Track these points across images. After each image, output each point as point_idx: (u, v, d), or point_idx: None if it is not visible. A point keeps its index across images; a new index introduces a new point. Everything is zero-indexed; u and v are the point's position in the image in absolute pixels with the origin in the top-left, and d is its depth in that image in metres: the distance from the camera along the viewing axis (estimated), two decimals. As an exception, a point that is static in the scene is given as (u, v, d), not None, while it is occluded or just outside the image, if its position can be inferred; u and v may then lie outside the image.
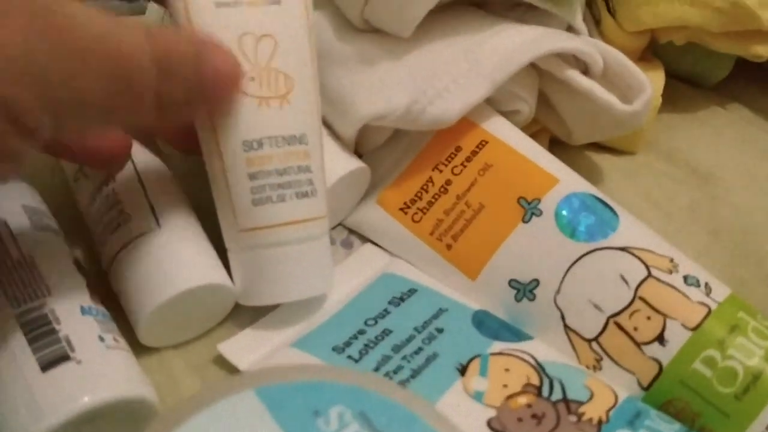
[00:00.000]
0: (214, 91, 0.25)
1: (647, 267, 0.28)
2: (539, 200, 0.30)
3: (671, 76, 0.44)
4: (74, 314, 0.25)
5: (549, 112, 0.36)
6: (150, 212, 0.29)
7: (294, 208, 0.27)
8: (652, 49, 0.41)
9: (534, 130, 0.37)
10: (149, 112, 0.23)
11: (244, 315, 0.30)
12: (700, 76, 0.45)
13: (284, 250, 0.27)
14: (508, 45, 0.32)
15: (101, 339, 0.25)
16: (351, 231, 0.34)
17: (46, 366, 0.23)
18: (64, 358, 0.24)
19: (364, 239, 0.34)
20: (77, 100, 0.21)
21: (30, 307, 0.25)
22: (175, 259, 0.27)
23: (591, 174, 0.38)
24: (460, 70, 0.31)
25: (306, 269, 0.28)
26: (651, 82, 0.38)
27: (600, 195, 0.31)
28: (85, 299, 0.26)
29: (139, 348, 0.28)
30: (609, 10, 0.38)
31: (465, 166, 0.32)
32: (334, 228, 0.34)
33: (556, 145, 0.38)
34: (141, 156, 0.31)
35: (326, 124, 0.33)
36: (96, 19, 0.21)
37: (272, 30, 0.27)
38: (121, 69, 0.21)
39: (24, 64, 0.19)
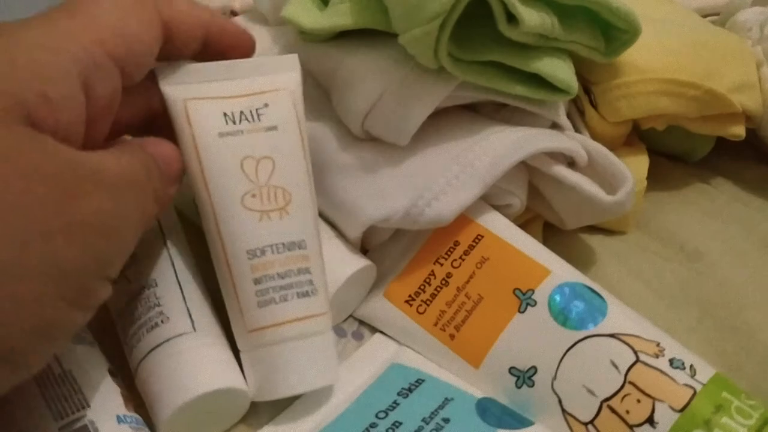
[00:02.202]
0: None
1: (635, 352, 0.30)
2: (533, 291, 0.33)
3: (657, 153, 0.47)
4: (111, 424, 0.27)
5: (541, 201, 0.39)
6: (187, 316, 0.31)
7: (295, 307, 0.30)
8: (637, 131, 0.44)
9: (528, 217, 0.40)
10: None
11: (259, 415, 0.32)
12: (685, 153, 0.47)
13: (289, 345, 0.30)
14: (498, 147, 0.34)
15: (136, 445, 0.27)
16: (361, 322, 0.37)
17: (87, 475, 0.26)
18: (103, 466, 0.26)
19: (374, 330, 0.36)
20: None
21: (71, 419, 0.27)
22: (203, 361, 0.30)
23: (583, 255, 0.40)
24: (454, 173, 0.34)
25: (311, 363, 0.30)
26: (635, 167, 0.40)
27: (589, 283, 0.33)
28: (120, 408, 0.28)
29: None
30: (591, 103, 0.41)
31: (463, 260, 0.35)
32: (345, 320, 0.37)
33: (551, 229, 0.41)
34: (179, 261, 0.33)
35: (333, 226, 0.36)
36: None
37: (270, 152, 0.30)
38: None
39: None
